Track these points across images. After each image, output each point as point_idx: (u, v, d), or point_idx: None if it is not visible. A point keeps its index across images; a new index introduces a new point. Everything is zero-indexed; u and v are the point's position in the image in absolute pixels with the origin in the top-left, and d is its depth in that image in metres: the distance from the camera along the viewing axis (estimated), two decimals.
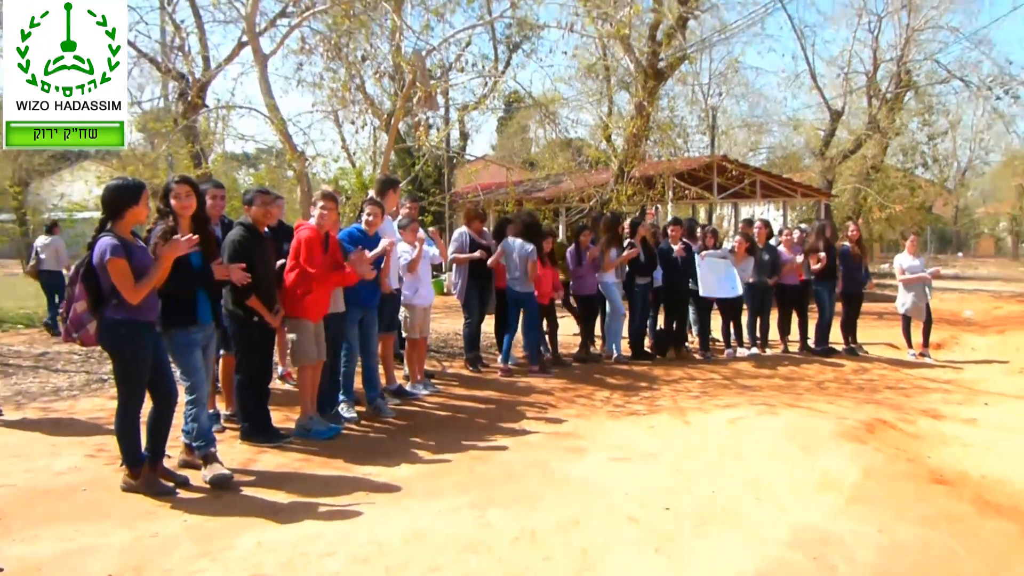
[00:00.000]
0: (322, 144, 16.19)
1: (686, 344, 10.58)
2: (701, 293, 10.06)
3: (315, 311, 6.18)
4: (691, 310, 10.49)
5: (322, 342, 6.29)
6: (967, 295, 20.64)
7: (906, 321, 10.46)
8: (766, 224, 10.97)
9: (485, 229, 9.64)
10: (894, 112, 23.24)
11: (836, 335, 10.70)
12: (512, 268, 8.86)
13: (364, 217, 6.96)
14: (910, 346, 10.44)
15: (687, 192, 19.24)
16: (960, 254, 48.05)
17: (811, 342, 10.62)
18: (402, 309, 7.84)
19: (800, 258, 10.43)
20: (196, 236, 4.74)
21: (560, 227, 17.84)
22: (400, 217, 7.97)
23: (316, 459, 5.60)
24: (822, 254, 10.23)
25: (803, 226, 12.10)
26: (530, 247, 8.75)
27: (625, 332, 10.15)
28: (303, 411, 6.22)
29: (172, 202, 4.95)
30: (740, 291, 10.14)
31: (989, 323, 14.88)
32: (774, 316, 10.78)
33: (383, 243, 6.67)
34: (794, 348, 10.68)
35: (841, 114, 24.24)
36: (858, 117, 24.87)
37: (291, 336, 6.21)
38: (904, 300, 10.40)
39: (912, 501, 4.75)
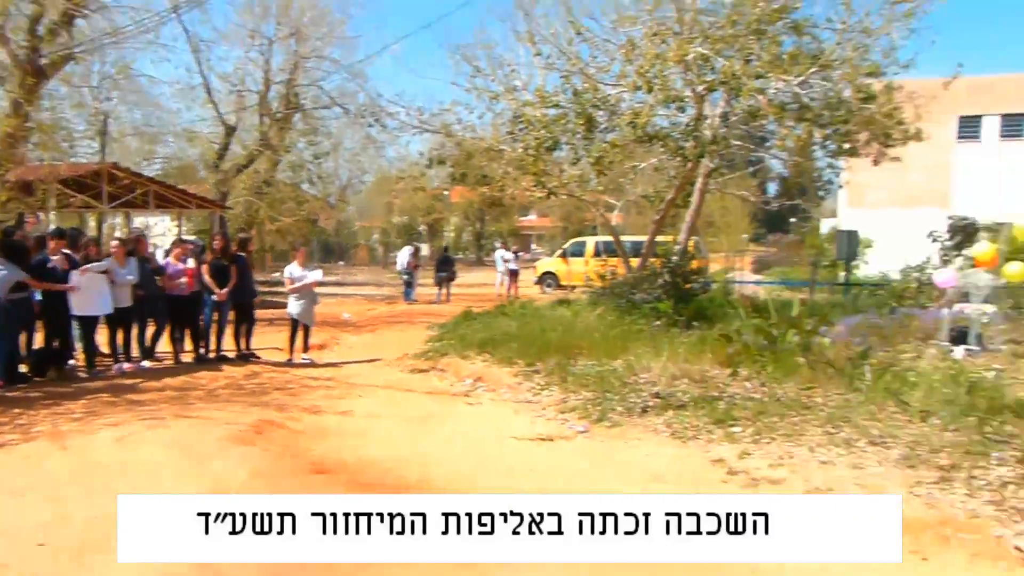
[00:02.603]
0: None
1: (71, 361, 9.73)
2: (75, 312, 9.34)
3: None
4: (75, 325, 9.68)
5: None
6: (346, 299, 23.21)
7: (294, 326, 11.22)
8: (143, 236, 10.78)
9: None
10: (284, 131, 24.78)
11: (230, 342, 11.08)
12: None
13: None
14: (299, 350, 11.28)
15: (73, 200, 17.66)
16: (342, 262, 53.43)
17: (207, 352, 10.82)
18: None
19: (184, 279, 10.50)
20: None
21: None
22: None
23: None
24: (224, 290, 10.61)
25: (195, 238, 12.21)
26: None
27: None
28: None
29: None
30: (110, 309, 9.59)
31: (364, 323, 16.89)
32: (168, 327, 10.62)
33: None
34: (188, 358, 10.69)
35: (235, 129, 24.88)
36: (251, 133, 25.81)
37: None
38: (295, 307, 11.17)
39: (296, 493, 5.20)
